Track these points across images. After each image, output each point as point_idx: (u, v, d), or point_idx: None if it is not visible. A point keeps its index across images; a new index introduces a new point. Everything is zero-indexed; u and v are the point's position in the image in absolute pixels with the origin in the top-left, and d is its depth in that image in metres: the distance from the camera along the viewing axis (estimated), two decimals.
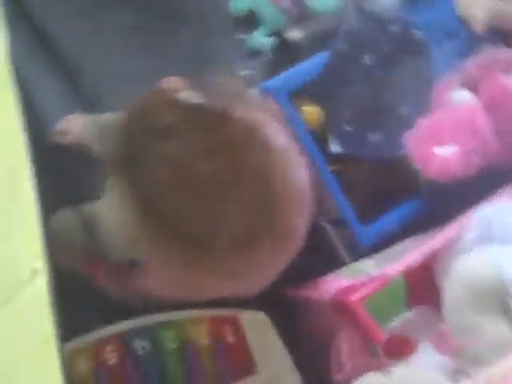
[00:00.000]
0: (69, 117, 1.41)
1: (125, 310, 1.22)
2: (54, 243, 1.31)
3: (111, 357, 1.09)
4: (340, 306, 1.06)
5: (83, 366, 1.09)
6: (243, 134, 1.03)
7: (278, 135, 1.09)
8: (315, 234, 1.39)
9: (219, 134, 1.01)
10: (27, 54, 1.43)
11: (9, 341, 0.66)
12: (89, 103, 1.45)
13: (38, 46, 1.46)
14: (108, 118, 1.08)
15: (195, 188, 0.99)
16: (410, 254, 1.12)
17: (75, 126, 1.39)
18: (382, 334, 1.04)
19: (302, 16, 1.54)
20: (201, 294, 1.12)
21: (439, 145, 1.26)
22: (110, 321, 1.15)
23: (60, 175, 1.37)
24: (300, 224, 1.11)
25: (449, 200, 1.27)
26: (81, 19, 1.50)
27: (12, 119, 0.69)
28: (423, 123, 1.30)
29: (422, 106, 1.36)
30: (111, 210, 1.06)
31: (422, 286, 1.17)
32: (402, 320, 1.17)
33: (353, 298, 1.02)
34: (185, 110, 1.02)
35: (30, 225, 0.66)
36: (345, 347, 1.08)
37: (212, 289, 1.11)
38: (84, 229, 1.25)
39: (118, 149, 1.05)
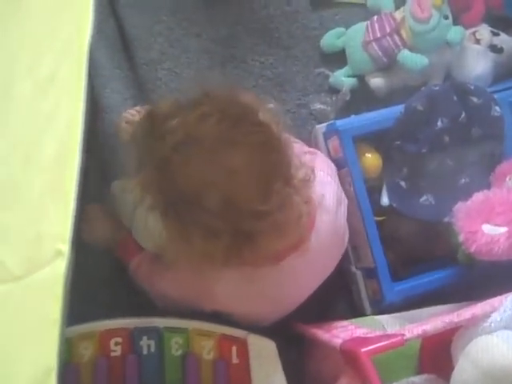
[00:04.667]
0: (131, 110, 1.45)
1: (139, 307, 1.25)
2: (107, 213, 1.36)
3: (116, 349, 1.11)
4: (349, 355, 1.06)
5: (86, 352, 1.10)
6: None
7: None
8: (344, 277, 1.41)
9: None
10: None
11: (19, 313, 0.67)
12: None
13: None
14: None
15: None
16: (432, 320, 1.11)
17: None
18: None
19: (388, 67, 1.55)
20: (211, 302, 1.14)
21: (489, 223, 1.25)
22: (121, 314, 1.17)
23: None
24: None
25: (485, 278, 1.27)
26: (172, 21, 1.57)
27: (77, 105, 0.70)
28: (478, 198, 1.29)
29: (482, 181, 1.36)
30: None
31: (436, 356, 1.16)
32: (408, 383, 1.16)
33: (363, 350, 1.02)
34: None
35: (66, 210, 0.67)
36: None
37: (223, 301, 1.14)
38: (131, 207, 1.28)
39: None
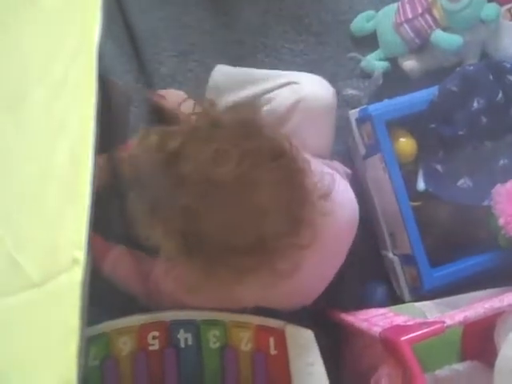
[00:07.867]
0: (169, 90, 1.47)
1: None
2: None
3: (154, 343, 1.11)
4: (388, 343, 1.04)
5: (125, 347, 1.10)
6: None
7: None
8: (381, 264, 1.39)
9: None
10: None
11: (36, 320, 0.66)
12: None
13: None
14: None
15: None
16: (474, 306, 1.09)
17: (172, 98, 1.45)
18: (425, 379, 1.01)
19: (421, 48, 1.52)
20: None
21: None
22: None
23: None
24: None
25: None
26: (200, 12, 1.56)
27: (88, 109, 0.69)
28: None
29: None
30: None
31: (479, 342, 1.14)
32: (451, 370, 1.14)
33: (403, 339, 1.00)
34: None
35: (80, 217, 0.66)
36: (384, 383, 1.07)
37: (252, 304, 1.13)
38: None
39: None
